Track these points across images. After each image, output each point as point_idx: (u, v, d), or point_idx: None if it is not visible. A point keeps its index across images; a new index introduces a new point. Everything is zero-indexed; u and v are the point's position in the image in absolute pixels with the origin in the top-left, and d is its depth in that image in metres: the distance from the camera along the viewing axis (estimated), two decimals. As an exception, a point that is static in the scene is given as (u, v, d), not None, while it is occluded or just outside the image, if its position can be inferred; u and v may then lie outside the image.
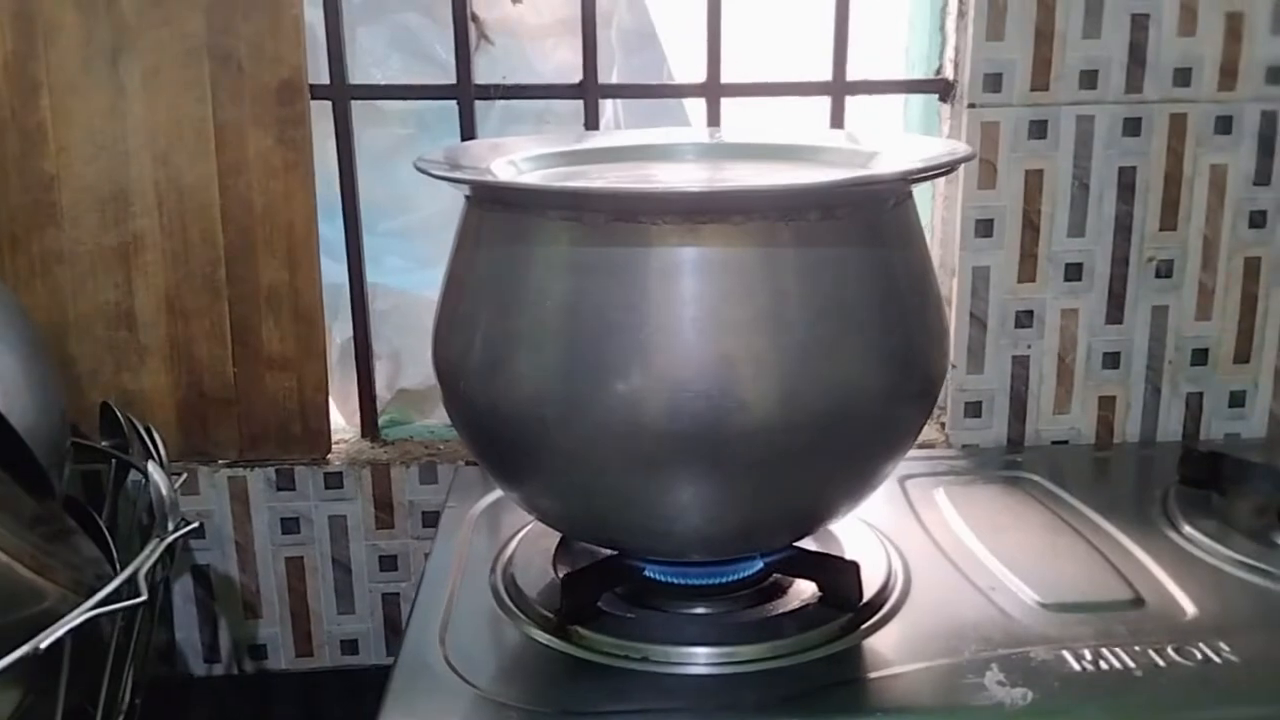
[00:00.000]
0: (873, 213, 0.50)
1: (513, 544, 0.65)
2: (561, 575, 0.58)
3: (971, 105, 0.75)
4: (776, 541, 0.56)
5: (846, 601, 0.55)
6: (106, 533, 0.62)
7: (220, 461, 0.79)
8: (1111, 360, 0.80)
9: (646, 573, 0.58)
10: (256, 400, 0.78)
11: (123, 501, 0.69)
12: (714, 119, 0.78)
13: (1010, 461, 0.78)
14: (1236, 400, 0.81)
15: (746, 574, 0.58)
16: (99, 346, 0.77)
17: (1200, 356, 0.80)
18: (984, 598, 0.58)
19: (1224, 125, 0.76)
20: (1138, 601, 0.58)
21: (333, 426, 0.82)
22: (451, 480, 0.77)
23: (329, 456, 0.80)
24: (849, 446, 0.52)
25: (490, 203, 0.52)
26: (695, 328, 0.48)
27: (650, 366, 0.48)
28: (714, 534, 0.53)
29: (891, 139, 0.63)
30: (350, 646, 0.83)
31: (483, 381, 0.52)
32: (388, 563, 0.81)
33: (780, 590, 0.59)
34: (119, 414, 0.65)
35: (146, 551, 0.49)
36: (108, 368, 0.77)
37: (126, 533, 0.69)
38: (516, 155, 0.60)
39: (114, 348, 0.77)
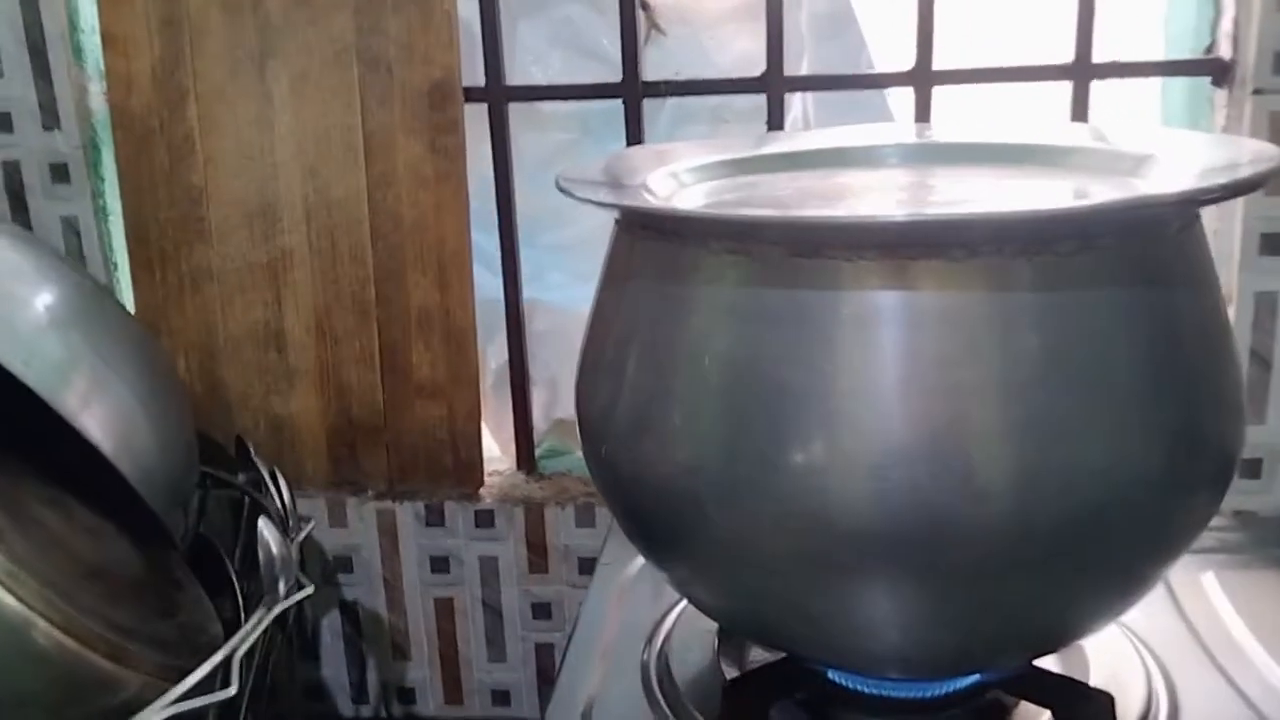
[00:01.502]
0: (1148, 242, 0.37)
1: (673, 616, 0.56)
2: (725, 676, 0.48)
3: (1257, 91, 0.59)
4: (1002, 663, 0.44)
5: (1093, 740, 0.43)
6: (234, 577, 0.57)
7: (370, 493, 0.74)
8: None
9: (830, 676, 0.47)
10: (406, 428, 0.72)
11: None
12: (923, 113, 0.65)
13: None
14: None
15: (958, 688, 0.46)
16: (248, 369, 0.72)
17: None
18: (1282, 745, 0.44)
19: None
20: None
21: (487, 455, 0.76)
22: (610, 527, 0.68)
23: (481, 492, 0.73)
24: (1110, 550, 0.39)
25: (641, 228, 0.43)
26: (900, 395, 0.36)
27: (837, 443, 0.37)
28: (918, 656, 0.42)
29: (1159, 136, 0.50)
30: (502, 697, 0.76)
31: (627, 445, 0.42)
32: (540, 610, 0.74)
33: (1003, 711, 0.47)
34: (250, 449, 0.60)
35: (243, 632, 0.43)
36: (257, 392, 0.73)
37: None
38: (682, 165, 0.51)
39: (264, 371, 0.72)
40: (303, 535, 0.54)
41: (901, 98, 0.69)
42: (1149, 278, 0.38)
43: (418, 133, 0.67)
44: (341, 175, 0.68)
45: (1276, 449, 0.64)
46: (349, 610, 0.76)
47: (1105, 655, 0.49)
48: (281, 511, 0.55)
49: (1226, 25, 0.61)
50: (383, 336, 0.71)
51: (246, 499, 0.61)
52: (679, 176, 0.49)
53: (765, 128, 0.67)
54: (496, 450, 0.79)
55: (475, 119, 0.70)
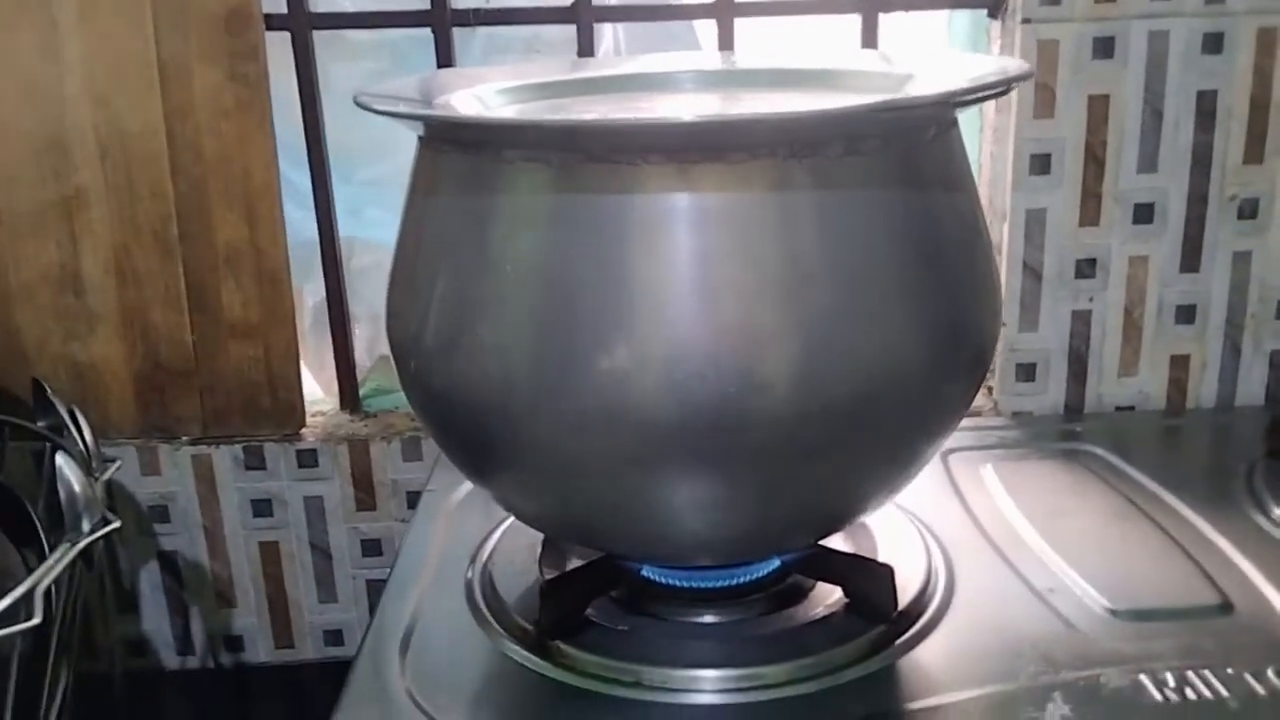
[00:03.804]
0: (908, 146, 0.41)
1: (497, 534, 0.57)
2: (543, 579, 0.50)
3: (1026, 20, 0.64)
4: (795, 543, 0.48)
5: (879, 612, 0.47)
6: (38, 523, 0.55)
7: (183, 439, 0.72)
8: (1186, 314, 0.70)
9: (644, 573, 0.50)
10: (219, 371, 0.71)
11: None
12: (726, 42, 0.68)
13: (1068, 432, 0.69)
14: (1329, 358, 0.70)
15: (761, 575, 0.50)
16: (45, 314, 0.69)
17: (1288, 308, 0.69)
18: (1043, 603, 0.49)
19: (1324, 38, 0.65)
20: (1226, 607, 0.49)
21: (310, 398, 0.75)
22: (437, 458, 0.69)
23: (302, 432, 0.72)
24: (883, 433, 0.43)
25: (442, 143, 0.43)
26: (690, 292, 0.39)
27: (635, 340, 0.39)
28: (718, 539, 0.44)
29: (931, 59, 0.53)
30: (334, 637, 0.76)
31: (438, 361, 0.43)
32: (370, 547, 0.74)
33: (801, 593, 0.50)
34: (48, 391, 0.58)
35: (46, 565, 0.42)
36: (56, 337, 0.69)
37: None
38: (489, 87, 0.51)
39: (61, 315, 0.69)
40: (108, 474, 0.52)
41: (710, 30, 0.71)
42: (910, 181, 0.41)
43: (215, 60, 0.65)
44: (136, 106, 0.65)
45: (1048, 354, 0.70)
46: (168, 561, 0.74)
47: (891, 537, 0.53)
48: (84, 451, 0.53)
49: (998, -39, 0.65)
50: (189, 276, 0.69)
51: (48, 445, 0.59)
52: (484, 99, 0.50)
53: (576, 57, 0.68)
54: (320, 391, 0.78)
55: (281, 49, 0.68)
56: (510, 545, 0.55)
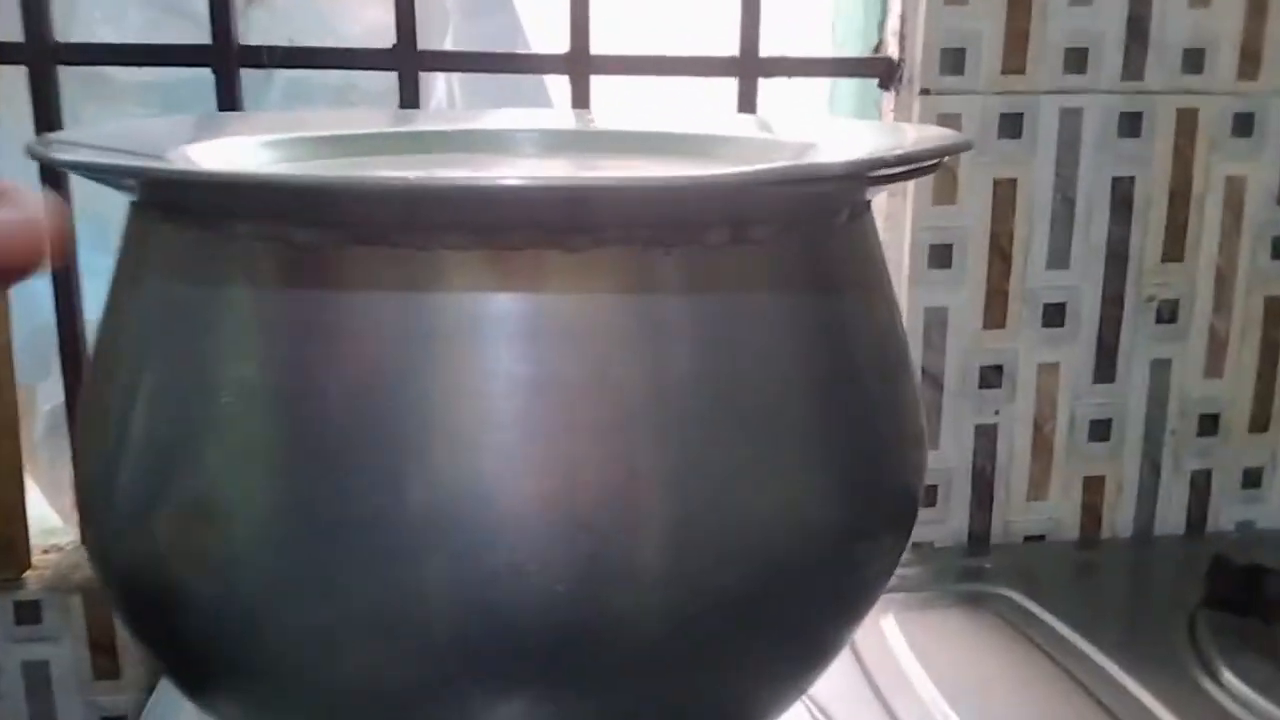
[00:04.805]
0: (813, 233, 0.29)
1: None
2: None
3: (925, 91, 0.55)
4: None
5: None
6: None
7: None
8: (1101, 430, 0.61)
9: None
10: (-91, 498, 0.54)
11: None
12: (580, 102, 0.56)
13: (973, 569, 0.59)
14: (1251, 480, 0.63)
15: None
16: None
17: (1210, 424, 0.62)
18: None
19: (1244, 125, 0.58)
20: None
21: (39, 526, 0.58)
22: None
23: (25, 576, 0.56)
24: (786, 622, 0.31)
25: (152, 208, 0.30)
26: (503, 441, 0.26)
27: (419, 512, 0.26)
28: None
29: (825, 126, 0.43)
30: (63, 842, 0.58)
31: (130, 527, 0.29)
32: (114, 725, 0.57)
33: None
34: None
35: None
36: None
37: None
38: (257, 139, 0.38)
39: None
40: None
41: (563, 86, 0.60)
42: (816, 280, 0.30)
43: (-90, 95, 0.50)
44: None
45: (949, 475, 0.60)
46: None
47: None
48: None
49: (893, 24, 0.57)
50: None
51: None
52: (242, 152, 0.37)
53: (398, 109, 0.56)
54: (57, 519, 0.61)
55: (18, 83, 0.54)
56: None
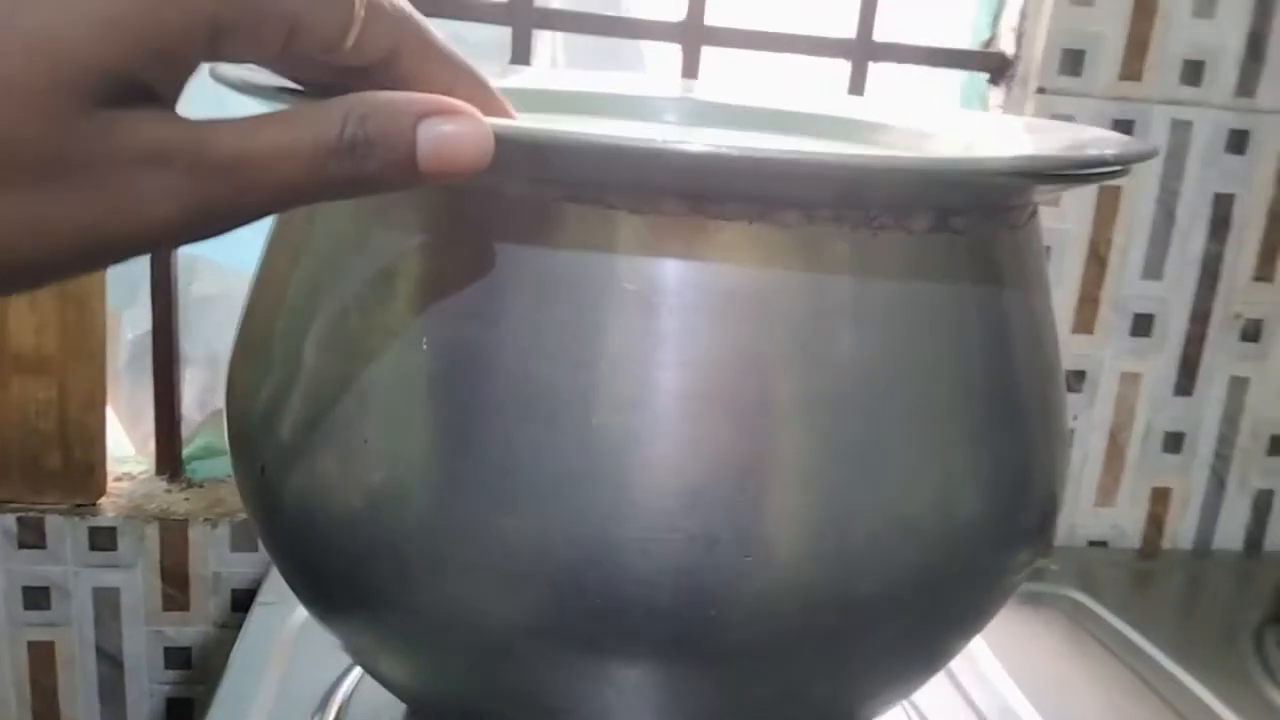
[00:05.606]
0: (1004, 226, 0.29)
1: (351, 679, 0.43)
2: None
3: (1041, 90, 0.55)
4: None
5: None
6: None
7: (-66, 501, 0.54)
8: (1173, 442, 0.61)
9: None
10: (-7, 415, 0.54)
11: None
12: (690, 70, 0.56)
13: (1037, 570, 0.59)
14: (1315, 503, 0.63)
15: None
16: None
17: (1278, 445, 0.62)
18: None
19: (1349, 150, 0.58)
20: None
21: (116, 454, 0.58)
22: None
23: (100, 503, 0.56)
24: (921, 617, 0.31)
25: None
26: (677, 405, 0.26)
27: (590, 477, 0.26)
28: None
29: (959, 119, 0.43)
30: (118, 767, 0.58)
31: (294, 465, 0.29)
32: (176, 657, 0.57)
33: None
34: None
35: None
36: None
37: None
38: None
39: None
40: None
41: (662, 55, 0.60)
42: (998, 274, 0.30)
43: None
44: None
45: (1023, 475, 0.60)
46: (-104, 659, 0.55)
47: None
48: None
49: (1012, 19, 0.56)
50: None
51: None
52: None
53: (509, 64, 0.55)
54: (130, 448, 0.61)
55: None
56: (370, 704, 0.41)
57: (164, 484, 0.58)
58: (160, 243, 0.19)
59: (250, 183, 0.19)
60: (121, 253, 0.19)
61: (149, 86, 0.18)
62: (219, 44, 0.19)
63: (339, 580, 0.30)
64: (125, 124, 0.18)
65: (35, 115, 0.17)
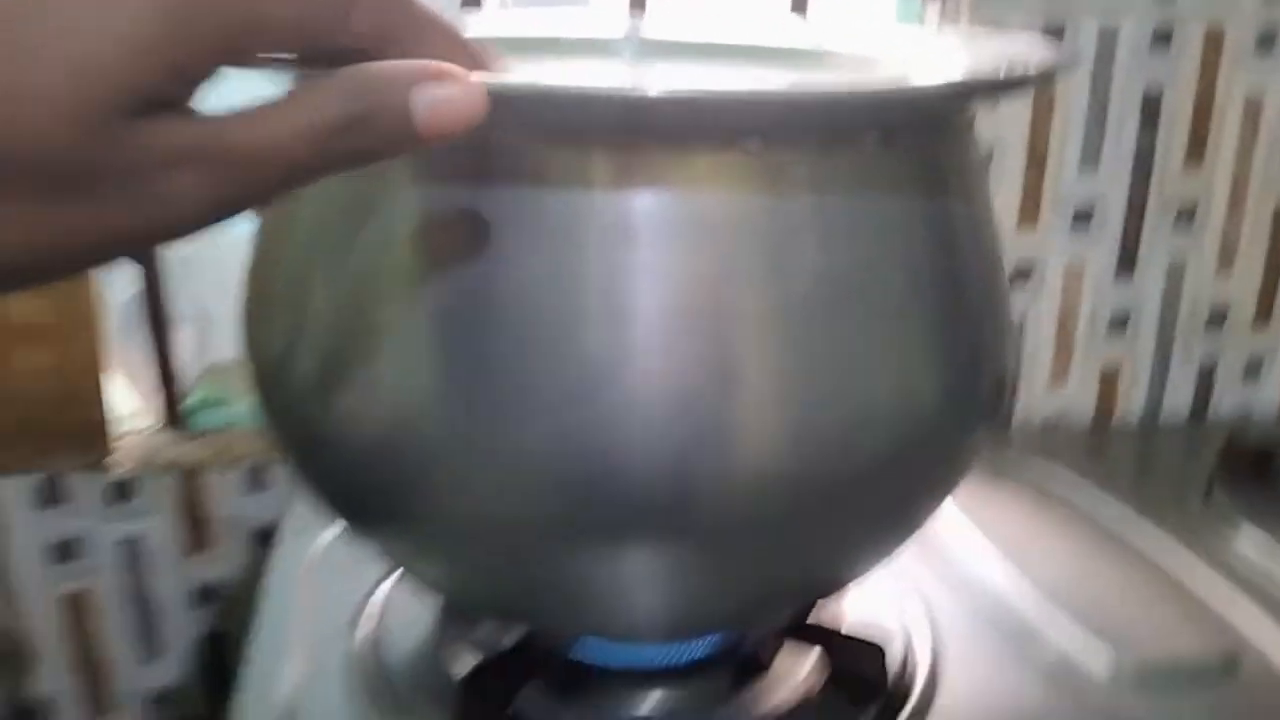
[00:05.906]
0: (946, 137, 0.33)
1: (382, 592, 0.46)
2: (452, 665, 0.40)
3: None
4: (763, 620, 0.40)
5: (867, 692, 0.39)
6: None
7: (-46, 470, 0.57)
8: (1118, 324, 0.66)
9: (576, 655, 0.41)
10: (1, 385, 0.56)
11: None
12: (636, 4, 0.58)
13: (999, 444, 0.64)
14: (1251, 371, 0.68)
15: (716, 650, 0.41)
16: None
17: (1217, 318, 0.67)
18: (1041, 669, 0.43)
19: (1266, 43, 0.61)
20: (1230, 664, 0.44)
21: (128, 411, 0.61)
22: (292, 489, 0.56)
23: (113, 459, 0.59)
24: (886, 495, 0.35)
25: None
26: (662, 322, 0.29)
27: (584, 387, 0.30)
28: (677, 620, 0.36)
29: (897, 35, 0.46)
30: (163, 700, 0.62)
31: (315, 398, 0.32)
32: (205, 595, 0.61)
33: (760, 665, 0.42)
34: None
35: None
36: None
37: None
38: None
39: None
40: None
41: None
42: (942, 183, 0.33)
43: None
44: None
45: (980, 366, 0.65)
46: (-63, 620, 0.59)
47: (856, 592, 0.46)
48: None
49: (943, -69, 0.59)
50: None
51: None
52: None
53: (459, 6, 0.57)
54: (132, 408, 0.64)
55: None
56: (400, 610, 0.45)
57: (172, 437, 0.61)
58: (181, 236, 0.21)
59: (264, 170, 0.20)
60: (145, 248, 0.21)
61: (171, 95, 0.20)
62: (234, 57, 0.20)
63: (369, 496, 0.34)
64: (150, 132, 0.19)
65: (71, 127, 0.18)
